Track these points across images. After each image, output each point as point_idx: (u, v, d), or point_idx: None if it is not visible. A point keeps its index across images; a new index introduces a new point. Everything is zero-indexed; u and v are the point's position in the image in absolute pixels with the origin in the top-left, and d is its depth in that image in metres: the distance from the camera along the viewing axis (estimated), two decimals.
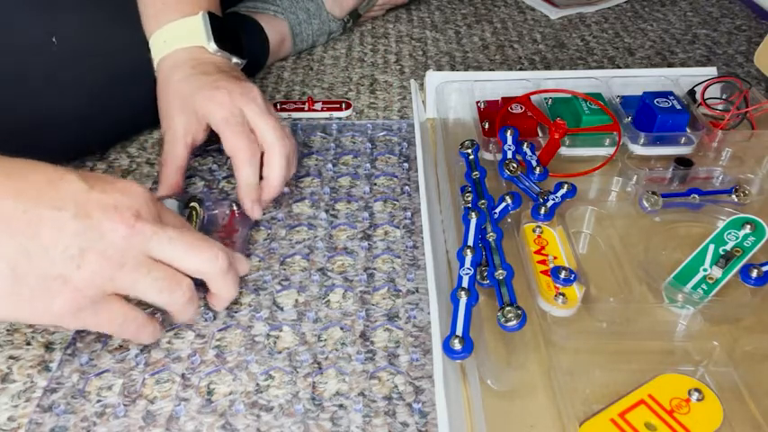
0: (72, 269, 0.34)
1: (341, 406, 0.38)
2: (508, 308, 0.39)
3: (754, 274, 0.42)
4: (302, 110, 0.65)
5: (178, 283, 0.38)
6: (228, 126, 0.48)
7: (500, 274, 0.42)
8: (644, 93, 0.57)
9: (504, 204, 0.47)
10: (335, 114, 0.65)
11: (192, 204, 0.49)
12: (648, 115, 0.55)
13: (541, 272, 0.43)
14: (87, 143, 0.58)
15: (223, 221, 0.51)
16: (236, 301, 0.45)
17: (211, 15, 0.55)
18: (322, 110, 0.65)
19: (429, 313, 0.42)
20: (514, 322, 0.38)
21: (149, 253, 0.37)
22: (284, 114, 0.65)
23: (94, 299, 0.35)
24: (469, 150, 0.53)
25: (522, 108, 0.58)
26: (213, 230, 0.50)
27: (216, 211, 0.51)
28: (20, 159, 0.36)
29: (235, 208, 0.51)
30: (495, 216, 0.47)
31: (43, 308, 0.34)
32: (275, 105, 0.65)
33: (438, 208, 0.51)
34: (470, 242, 0.44)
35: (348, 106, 0.65)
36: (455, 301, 0.40)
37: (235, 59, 0.56)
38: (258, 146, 0.49)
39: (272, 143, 0.49)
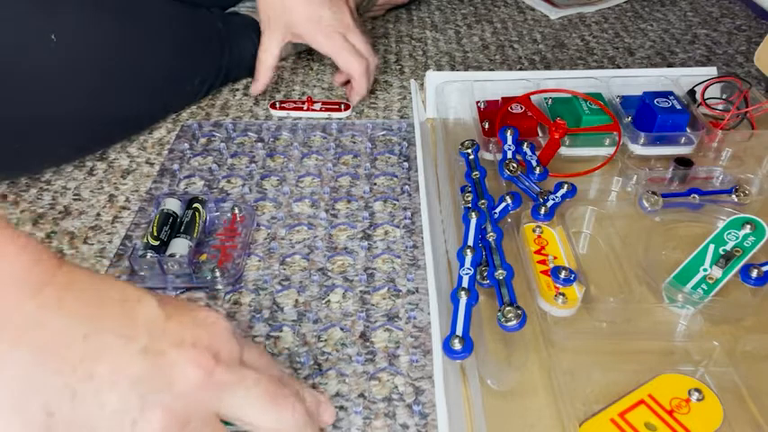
0: (125, 427, 0.26)
1: (341, 407, 0.38)
2: (508, 308, 0.39)
3: (754, 274, 0.42)
4: (301, 109, 0.65)
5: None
6: (338, 52, 0.62)
7: (500, 274, 0.42)
8: (644, 93, 0.57)
9: (504, 204, 0.47)
10: (334, 115, 0.65)
11: (195, 205, 0.49)
12: (648, 115, 0.55)
13: (541, 272, 0.43)
14: (87, 143, 0.58)
15: (225, 223, 0.51)
16: (236, 302, 0.45)
17: None
18: (321, 110, 0.65)
19: (429, 313, 0.42)
20: (514, 322, 0.38)
21: (219, 406, 0.29)
22: (283, 113, 0.65)
23: None
24: (469, 150, 0.53)
25: (522, 108, 0.58)
26: (214, 231, 0.50)
27: (217, 213, 0.51)
28: (92, 272, 0.30)
29: (236, 211, 0.51)
30: (495, 216, 0.47)
31: None
32: (273, 104, 0.65)
33: (438, 208, 0.51)
34: (470, 242, 0.44)
35: (347, 107, 0.65)
36: (455, 301, 0.40)
37: None
38: (364, 59, 0.62)
39: (368, 59, 0.63)
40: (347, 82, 0.67)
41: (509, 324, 0.39)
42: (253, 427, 0.31)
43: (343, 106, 0.65)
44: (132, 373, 0.27)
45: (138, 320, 0.28)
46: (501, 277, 0.41)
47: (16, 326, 0.25)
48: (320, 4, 0.61)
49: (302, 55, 0.77)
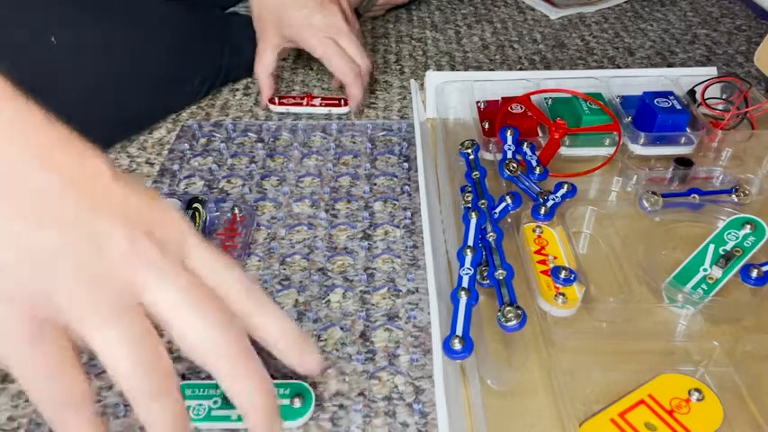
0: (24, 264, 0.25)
1: (341, 406, 0.38)
2: (508, 308, 0.39)
3: (755, 274, 0.42)
4: (301, 104, 0.66)
5: (156, 358, 0.27)
6: (330, 57, 0.61)
7: (500, 274, 0.42)
8: (644, 93, 0.57)
9: (504, 204, 0.47)
10: (335, 111, 0.65)
11: (195, 206, 0.49)
12: (648, 115, 0.55)
13: (541, 272, 0.43)
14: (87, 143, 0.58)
15: (225, 223, 0.51)
16: None
17: None
18: (321, 105, 0.65)
19: (429, 313, 0.42)
20: (514, 322, 0.38)
21: (139, 291, 0.27)
22: (282, 109, 0.66)
23: (40, 324, 0.25)
24: (469, 150, 0.53)
25: (522, 108, 0.58)
26: (214, 232, 0.50)
27: (217, 213, 0.51)
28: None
29: (236, 211, 0.51)
30: (495, 216, 0.47)
31: None
32: (272, 100, 0.66)
33: (438, 208, 0.51)
34: (470, 242, 0.44)
35: (347, 103, 0.65)
36: (455, 301, 0.40)
37: None
38: (356, 65, 0.62)
39: (360, 65, 0.62)
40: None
41: (509, 324, 0.39)
42: (178, 338, 0.28)
43: (342, 101, 0.65)
44: (52, 217, 0.25)
45: (85, 167, 0.27)
46: (501, 277, 0.41)
47: None
48: (312, 8, 0.61)
49: (302, 54, 0.77)
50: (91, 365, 0.41)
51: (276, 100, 0.66)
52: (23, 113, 0.27)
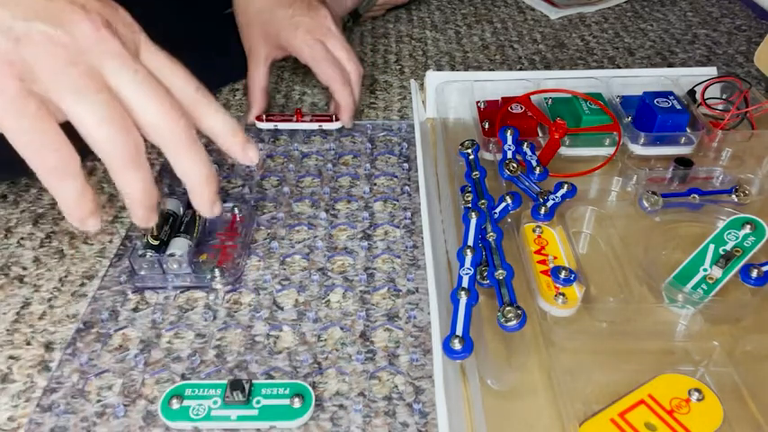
0: (6, 39, 0.29)
1: (341, 406, 0.38)
2: (508, 308, 0.39)
3: (755, 274, 0.42)
4: (290, 120, 0.63)
5: (127, 129, 0.31)
6: (318, 62, 0.58)
7: (500, 274, 0.42)
8: (644, 93, 0.57)
9: (504, 204, 0.47)
10: (326, 126, 0.62)
11: None
12: (648, 115, 0.55)
13: (541, 272, 0.43)
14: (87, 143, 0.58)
15: (225, 224, 0.51)
16: (236, 301, 0.45)
17: None
18: (311, 121, 0.63)
19: (429, 313, 0.42)
20: (514, 322, 0.38)
21: (105, 75, 0.30)
22: (270, 125, 0.63)
23: (15, 91, 0.29)
24: (469, 150, 0.53)
25: (522, 108, 0.58)
26: (214, 231, 0.50)
27: None
28: None
29: (236, 211, 0.51)
30: (495, 216, 0.47)
31: None
32: (260, 116, 0.63)
33: (438, 208, 0.51)
34: (470, 242, 0.44)
35: (338, 118, 0.62)
36: (455, 301, 0.40)
37: None
38: (345, 70, 0.59)
39: (350, 71, 0.60)
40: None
41: (509, 324, 0.39)
42: (138, 120, 0.31)
43: (334, 117, 0.62)
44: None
45: None
46: (501, 277, 0.41)
47: None
48: (298, 8, 0.59)
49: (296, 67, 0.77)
50: (91, 365, 0.41)
51: (263, 117, 0.63)
52: None
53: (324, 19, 0.59)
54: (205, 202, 0.37)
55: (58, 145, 0.31)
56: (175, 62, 0.34)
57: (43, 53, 0.29)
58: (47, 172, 0.32)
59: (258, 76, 0.61)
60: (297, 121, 0.63)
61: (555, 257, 0.44)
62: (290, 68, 0.75)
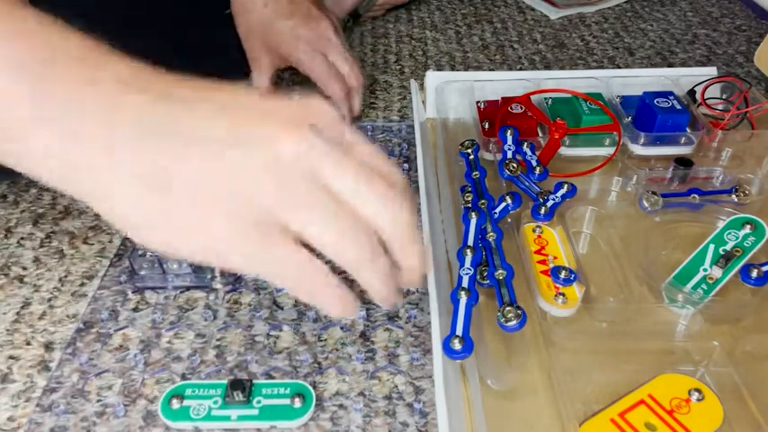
0: (227, 185, 0.27)
1: (341, 406, 0.38)
2: (508, 308, 0.39)
3: (755, 274, 0.42)
4: None
5: (361, 232, 0.29)
6: (318, 74, 0.58)
7: (500, 274, 0.42)
8: (644, 93, 0.57)
9: (504, 204, 0.47)
10: None
11: None
12: (648, 115, 0.55)
13: (541, 272, 0.43)
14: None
15: None
16: (236, 301, 0.45)
17: None
18: None
19: (429, 313, 0.42)
20: (514, 322, 0.38)
21: (324, 182, 0.28)
22: None
23: (262, 228, 0.28)
24: (469, 150, 0.53)
25: (522, 108, 0.58)
26: None
27: None
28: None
29: None
30: (495, 216, 0.47)
31: (196, 227, 0.28)
32: None
33: (438, 208, 0.51)
34: (470, 242, 0.44)
35: None
36: (455, 301, 0.40)
37: None
38: (344, 83, 0.59)
39: (351, 82, 0.60)
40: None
41: (509, 324, 0.39)
42: (364, 217, 0.29)
43: None
44: (222, 137, 0.28)
45: (239, 96, 0.29)
46: (501, 277, 0.41)
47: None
48: (299, 20, 0.59)
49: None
50: (91, 365, 0.41)
51: None
52: (140, 68, 0.30)
53: (325, 30, 0.59)
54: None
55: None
56: (378, 151, 0.32)
57: (260, 183, 0.28)
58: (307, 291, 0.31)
59: (262, 84, 0.62)
60: None
61: (555, 257, 0.44)
62: (290, 69, 0.75)
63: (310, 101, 0.30)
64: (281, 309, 0.45)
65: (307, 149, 0.28)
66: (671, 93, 0.57)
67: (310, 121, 0.29)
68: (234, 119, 0.28)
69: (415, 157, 0.56)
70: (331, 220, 0.28)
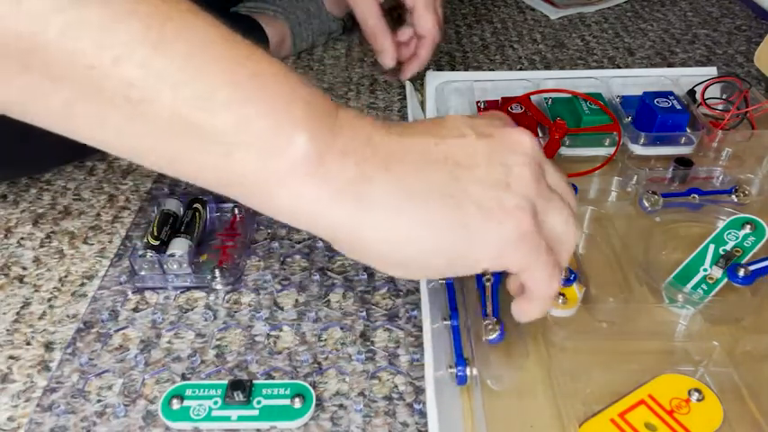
0: (504, 189, 0.30)
1: (341, 406, 0.38)
2: (487, 321, 0.38)
3: (741, 273, 0.42)
4: None
5: (573, 214, 0.33)
6: (427, 9, 0.57)
7: (487, 279, 0.40)
8: (644, 93, 0.57)
9: None
10: None
11: (196, 206, 0.49)
12: (648, 115, 0.55)
13: None
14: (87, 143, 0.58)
15: (225, 224, 0.51)
16: (236, 301, 0.45)
17: None
18: None
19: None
20: (493, 335, 0.37)
21: (546, 177, 0.33)
22: None
23: (535, 219, 0.31)
24: None
25: (522, 108, 0.58)
26: (214, 232, 0.50)
27: (218, 213, 0.51)
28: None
29: (236, 211, 0.51)
30: None
31: (492, 235, 0.30)
32: None
33: None
34: None
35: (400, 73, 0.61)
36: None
37: None
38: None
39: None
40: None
41: (490, 337, 0.38)
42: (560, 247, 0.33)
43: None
44: (481, 152, 0.31)
45: (455, 122, 0.32)
46: (488, 284, 0.40)
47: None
48: None
49: (302, 55, 0.77)
50: (91, 365, 0.41)
51: None
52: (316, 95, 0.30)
53: None
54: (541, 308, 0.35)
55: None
56: (565, 179, 0.35)
57: (526, 182, 0.31)
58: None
59: (373, 18, 0.58)
60: None
61: None
62: (302, 66, 0.75)
63: (515, 136, 0.32)
64: (282, 309, 0.45)
65: (537, 184, 0.31)
66: (671, 93, 0.57)
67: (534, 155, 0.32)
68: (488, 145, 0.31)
69: None
70: (560, 210, 0.32)
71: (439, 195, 0.29)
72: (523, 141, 0.32)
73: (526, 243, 0.30)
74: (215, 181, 0.28)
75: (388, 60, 0.57)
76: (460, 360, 0.38)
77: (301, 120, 0.27)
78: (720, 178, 0.53)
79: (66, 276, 0.47)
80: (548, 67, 0.76)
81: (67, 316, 0.44)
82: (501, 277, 0.39)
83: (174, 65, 0.25)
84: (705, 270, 0.43)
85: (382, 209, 0.28)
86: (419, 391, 0.39)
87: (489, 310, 0.38)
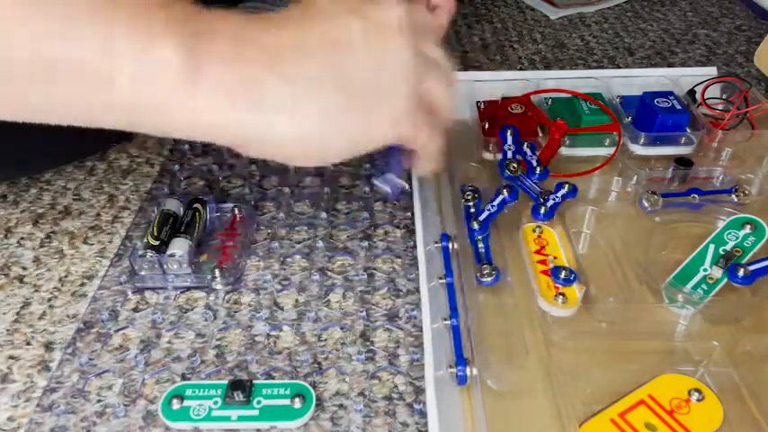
0: (384, 62, 0.32)
1: (341, 406, 0.38)
2: (484, 265, 0.42)
3: (741, 273, 0.42)
4: None
5: (448, 73, 0.37)
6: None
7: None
8: (644, 93, 0.57)
9: (501, 197, 0.48)
10: None
11: (196, 206, 0.49)
12: (648, 115, 0.55)
13: (541, 272, 0.43)
14: (87, 143, 0.58)
15: (225, 224, 0.51)
16: (236, 301, 0.45)
17: None
18: None
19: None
20: (489, 279, 0.41)
21: (420, 45, 0.34)
22: None
23: (415, 89, 0.34)
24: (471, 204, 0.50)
25: (522, 108, 0.58)
26: (214, 232, 0.50)
27: (218, 213, 0.51)
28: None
29: (236, 211, 0.51)
30: (493, 210, 0.47)
31: (381, 113, 0.33)
32: None
33: (438, 208, 0.51)
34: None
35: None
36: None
37: None
38: None
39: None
40: None
41: (484, 279, 0.42)
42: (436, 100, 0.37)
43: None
44: (374, 45, 0.32)
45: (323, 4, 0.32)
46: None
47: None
48: None
49: None
50: (91, 365, 0.41)
51: None
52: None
53: None
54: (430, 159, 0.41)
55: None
56: (439, 48, 0.38)
57: (413, 68, 0.33)
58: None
59: None
60: None
61: (555, 257, 0.44)
62: None
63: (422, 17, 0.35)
64: (282, 309, 0.45)
65: (422, 65, 0.34)
66: (671, 93, 0.57)
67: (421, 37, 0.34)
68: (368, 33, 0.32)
69: None
70: (440, 79, 0.36)
71: (328, 85, 0.30)
72: (397, 12, 0.32)
73: (410, 115, 0.34)
74: (113, 119, 0.29)
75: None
76: (460, 360, 0.38)
77: (162, 34, 0.27)
78: (720, 178, 0.53)
79: (66, 276, 0.47)
80: (548, 67, 0.76)
81: (67, 316, 0.44)
82: (489, 228, 0.45)
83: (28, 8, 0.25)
84: (705, 270, 0.43)
85: (279, 109, 0.30)
86: (419, 391, 0.39)
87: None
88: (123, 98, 0.27)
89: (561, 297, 0.41)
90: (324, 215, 0.52)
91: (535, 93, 0.59)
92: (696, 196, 0.50)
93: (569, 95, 0.59)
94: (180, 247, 0.46)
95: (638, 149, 0.56)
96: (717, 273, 0.43)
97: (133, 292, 0.46)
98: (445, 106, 0.37)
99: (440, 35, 0.37)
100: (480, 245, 0.46)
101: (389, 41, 0.32)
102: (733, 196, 0.50)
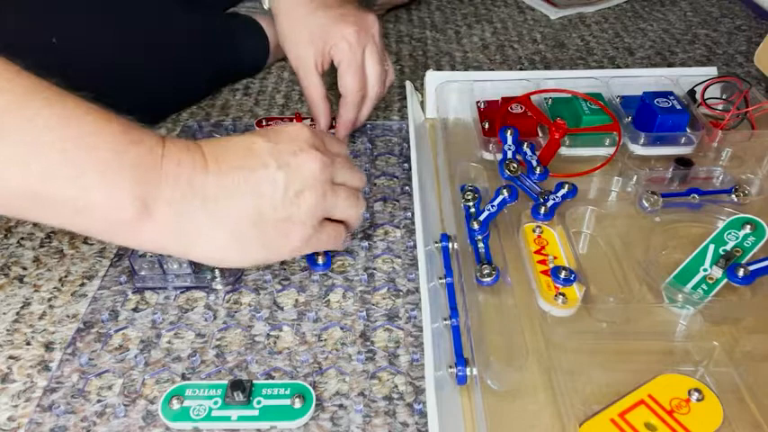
0: (295, 210, 0.39)
1: (341, 406, 0.38)
2: (484, 265, 0.42)
3: (741, 273, 0.42)
4: None
5: (358, 198, 0.44)
6: (346, 68, 0.55)
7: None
8: (644, 93, 0.57)
9: (501, 197, 0.48)
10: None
11: None
12: (648, 115, 0.55)
13: (541, 272, 0.43)
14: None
15: None
16: (236, 301, 0.45)
17: None
18: (311, 125, 0.61)
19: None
20: (488, 279, 0.42)
21: (334, 178, 0.42)
22: None
23: (316, 226, 0.41)
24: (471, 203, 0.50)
25: (522, 108, 0.58)
26: None
27: None
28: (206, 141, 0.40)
29: None
30: (493, 210, 0.47)
31: (284, 245, 0.40)
32: (260, 122, 0.63)
33: (438, 207, 0.51)
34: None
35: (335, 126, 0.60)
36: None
37: None
38: (365, 88, 0.57)
39: (370, 90, 0.58)
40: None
41: (484, 280, 0.42)
42: (355, 188, 0.44)
43: (333, 122, 0.60)
44: (281, 183, 0.39)
45: (262, 155, 0.39)
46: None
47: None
48: (349, 10, 0.56)
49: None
50: (91, 365, 0.41)
51: (263, 122, 0.63)
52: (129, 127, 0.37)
53: (372, 26, 0.57)
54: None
55: None
56: (355, 170, 0.45)
57: (312, 202, 0.40)
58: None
59: (314, 84, 0.58)
60: None
61: (555, 257, 0.44)
62: (291, 68, 0.75)
63: (295, 130, 0.41)
64: (281, 309, 0.45)
65: (324, 166, 0.40)
66: (671, 93, 0.57)
67: (311, 144, 0.41)
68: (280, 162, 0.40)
69: None
70: (345, 200, 0.43)
71: (246, 223, 0.38)
72: (314, 168, 0.40)
73: (311, 244, 0.41)
74: (71, 228, 0.36)
75: (322, 126, 0.59)
76: (460, 360, 0.38)
77: (129, 187, 0.34)
78: (720, 178, 0.53)
79: (66, 276, 0.47)
80: (548, 67, 0.76)
81: (67, 316, 0.44)
82: (489, 228, 0.47)
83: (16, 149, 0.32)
84: (705, 270, 0.43)
85: (204, 238, 0.38)
86: (419, 391, 0.39)
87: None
88: (85, 223, 0.35)
89: (561, 297, 0.41)
90: None
91: (535, 93, 0.59)
92: (696, 196, 0.50)
93: (569, 95, 0.59)
94: None
95: (638, 149, 0.56)
96: (717, 273, 0.43)
97: (133, 292, 0.46)
98: (355, 218, 0.44)
99: (349, 161, 0.45)
100: (480, 245, 0.46)
101: (305, 193, 0.39)
102: (733, 196, 0.50)
